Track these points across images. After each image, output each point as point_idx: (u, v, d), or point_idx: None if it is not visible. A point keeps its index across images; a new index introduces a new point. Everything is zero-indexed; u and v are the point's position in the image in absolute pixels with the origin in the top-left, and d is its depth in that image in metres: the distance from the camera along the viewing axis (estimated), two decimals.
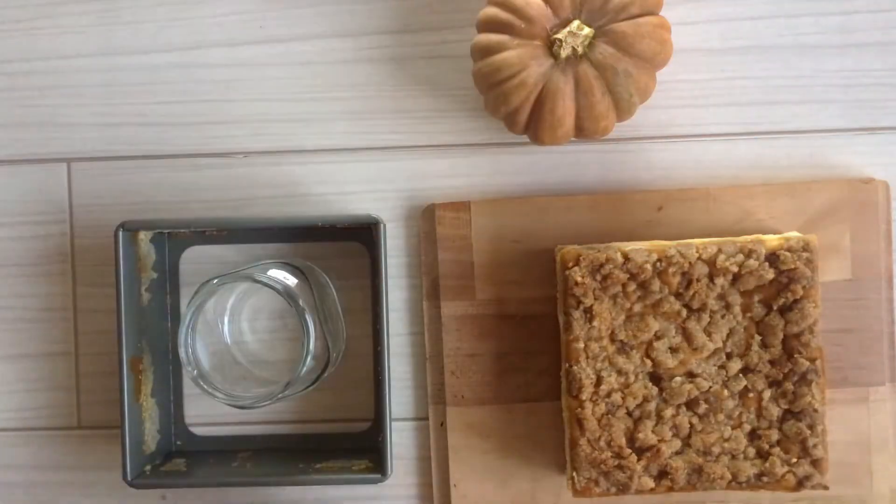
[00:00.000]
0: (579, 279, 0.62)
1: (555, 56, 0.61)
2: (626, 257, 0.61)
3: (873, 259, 0.66)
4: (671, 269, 0.61)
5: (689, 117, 0.68)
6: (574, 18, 0.61)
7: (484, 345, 0.68)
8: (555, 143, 0.63)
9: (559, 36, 0.60)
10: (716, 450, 0.62)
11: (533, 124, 0.63)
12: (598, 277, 0.62)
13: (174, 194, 0.70)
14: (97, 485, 0.71)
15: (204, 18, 0.70)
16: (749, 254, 0.61)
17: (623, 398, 0.62)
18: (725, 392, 0.62)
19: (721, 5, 0.68)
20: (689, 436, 0.62)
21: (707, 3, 0.68)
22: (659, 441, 0.62)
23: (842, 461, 0.66)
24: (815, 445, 0.62)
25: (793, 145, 0.68)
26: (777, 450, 0.62)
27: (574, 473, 0.62)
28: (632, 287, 0.62)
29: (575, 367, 0.62)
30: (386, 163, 0.70)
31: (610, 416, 0.62)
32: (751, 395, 0.62)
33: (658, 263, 0.61)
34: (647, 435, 0.62)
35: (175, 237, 0.70)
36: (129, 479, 0.66)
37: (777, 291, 0.62)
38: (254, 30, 0.70)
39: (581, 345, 0.62)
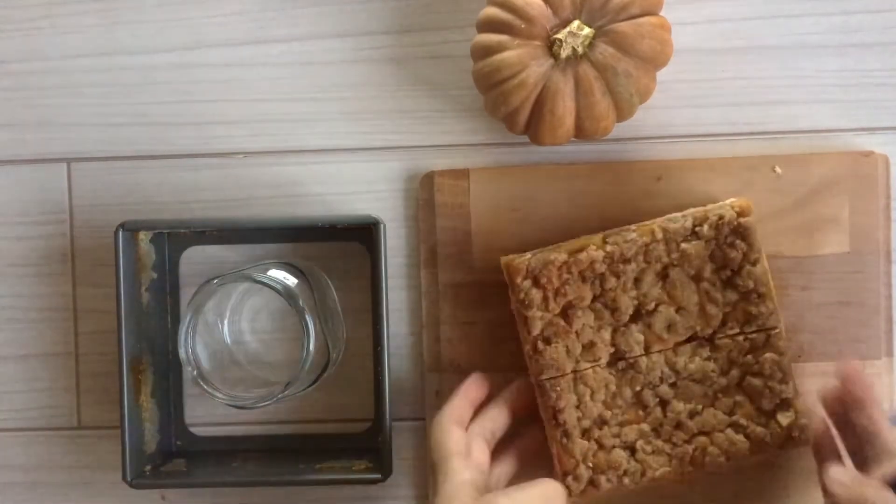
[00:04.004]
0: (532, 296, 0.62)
1: (555, 56, 0.61)
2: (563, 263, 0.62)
3: (872, 232, 0.66)
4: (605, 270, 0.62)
5: (689, 117, 0.68)
6: (574, 18, 0.61)
7: (480, 313, 0.67)
8: (555, 143, 0.63)
9: (559, 36, 0.60)
10: (707, 425, 0.63)
11: (533, 124, 0.63)
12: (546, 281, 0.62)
13: (174, 194, 0.70)
14: (97, 485, 0.71)
15: (204, 18, 0.70)
16: (689, 235, 0.62)
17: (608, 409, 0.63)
18: (691, 380, 0.63)
19: (721, 5, 0.68)
20: (661, 425, 0.63)
21: (707, 3, 0.68)
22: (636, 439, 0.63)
23: None
24: (783, 392, 0.62)
25: (793, 145, 0.68)
26: (750, 407, 0.62)
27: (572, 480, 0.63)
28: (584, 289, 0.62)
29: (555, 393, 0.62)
30: (386, 163, 0.69)
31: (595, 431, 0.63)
32: (715, 375, 0.62)
33: (588, 269, 0.62)
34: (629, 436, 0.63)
35: (175, 237, 0.70)
36: (129, 479, 0.66)
37: (723, 262, 0.62)
38: (254, 30, 0.70)
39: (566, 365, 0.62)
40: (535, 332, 0.62)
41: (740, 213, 0.62)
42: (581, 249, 0.62)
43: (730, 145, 0.68)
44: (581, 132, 0.63)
